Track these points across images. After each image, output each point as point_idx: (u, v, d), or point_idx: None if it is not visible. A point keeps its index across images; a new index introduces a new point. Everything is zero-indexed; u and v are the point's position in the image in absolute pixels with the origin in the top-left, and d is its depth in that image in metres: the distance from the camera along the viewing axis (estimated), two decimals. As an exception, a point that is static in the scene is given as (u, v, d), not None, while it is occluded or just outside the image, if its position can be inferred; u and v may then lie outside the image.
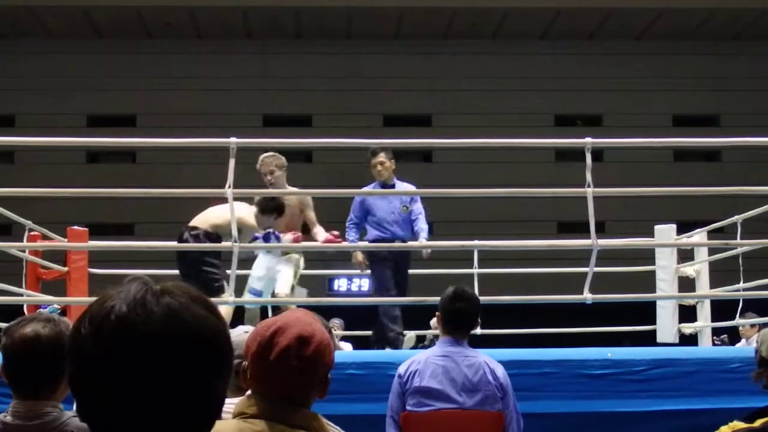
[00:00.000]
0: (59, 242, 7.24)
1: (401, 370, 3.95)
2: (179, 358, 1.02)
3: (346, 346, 8.82)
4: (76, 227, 7.38)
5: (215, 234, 6.28)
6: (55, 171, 17.60)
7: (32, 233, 7.09)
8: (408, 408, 3.86)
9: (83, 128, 18.43)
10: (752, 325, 8.65)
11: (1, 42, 19.40)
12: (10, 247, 7.03)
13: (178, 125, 17.14)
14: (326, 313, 6.57)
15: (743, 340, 8.93)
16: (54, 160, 18.05)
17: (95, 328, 1.04)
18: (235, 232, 5.47)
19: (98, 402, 1.03)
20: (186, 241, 6.35)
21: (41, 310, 5.16)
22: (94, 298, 1.09)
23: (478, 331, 4.49)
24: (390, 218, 6.88)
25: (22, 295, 6.67)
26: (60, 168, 17.93)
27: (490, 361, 3.94)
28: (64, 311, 6.43)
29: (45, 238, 7.22)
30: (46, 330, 2.27)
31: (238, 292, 6.21)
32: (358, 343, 8.89)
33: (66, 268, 7.17)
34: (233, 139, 5.44)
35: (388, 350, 6.66)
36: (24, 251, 6.98)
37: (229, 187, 5.34)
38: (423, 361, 3.92)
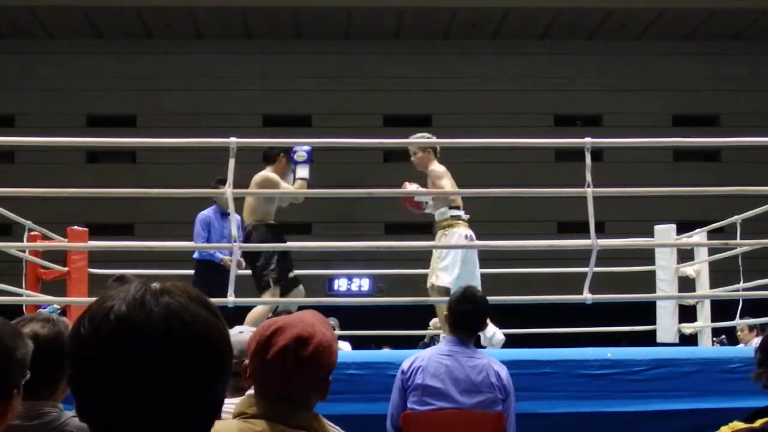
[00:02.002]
0: (59, 242, 7.24)
1: (404, 366, 3.96)
2: (178, 357, 1.02)
3: (345, 346, 8.82)
4: (76, 227, 7.38)
5: (259, 224, 6.27)
6: (55, 171, 17.60)
7: (32, 233, 7.08)
8: (409, 405, 3.87)
9: (83, 128, 18.43)
10: (750, 329, 8.63)
11: (1, 42, 19.40)
12: (10, 247, 7.03)
13: (178, 125, 17.14)
14: (325, 313, 6.57)
15: (740, 345, 8.90)
16: (54, 160, 18.05)
17: (94, 327, 1.04)
18: (234, 232, 5.47)
19: (98, 402, 1.03)
20: (249, 237, 6.32)
21: (41, 310, 5.16)
22: (94, 299, 1.09)
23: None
24: (222, 241, 7.18)
25: (21, 295, 6.66)
26: (60, 168, 17.93)
27: (495, 362, 3.94)
28: (64, 311, 6.42)
29: (45, 238, 7.21)
30: (45, 330, 2.27)
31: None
32: (357, 343, 8.89)
33: (66, 268, 7.17)
34: (233, 139, 5.44)
35: (387, 350, 6.67)
36: (24, 251, 6.98)
37: (229, 187, 5.34)
38: (427, 358, 3.92)
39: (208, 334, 1.05)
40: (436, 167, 6.50)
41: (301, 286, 6.53)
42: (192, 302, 1.06)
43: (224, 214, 7.28)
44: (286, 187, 6.33)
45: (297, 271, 9.63)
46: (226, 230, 7.19)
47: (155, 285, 1.07)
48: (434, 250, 6.52)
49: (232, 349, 1.10)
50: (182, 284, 1.10)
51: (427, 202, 6.54)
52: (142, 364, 1.01)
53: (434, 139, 6.65)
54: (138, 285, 1.07)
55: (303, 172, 6.23)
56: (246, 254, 6.36)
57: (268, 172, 6.35)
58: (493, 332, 6.41)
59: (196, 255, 7.50)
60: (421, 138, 6.62)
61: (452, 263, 6.36)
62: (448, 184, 6.47)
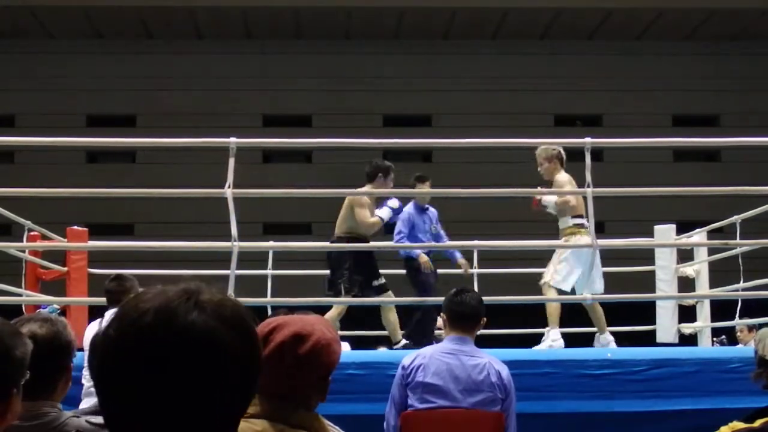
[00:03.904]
0: (59, 242, 7.24)
1: (405, 362, 3.97)
2: (192, 376, 1.03)
3: (344, 346, 8.81)
4: (75, 227, 7.37)
5: (346, 237, 6.70)
6: (55, 171, 17.60)
7: (32, 233, 7.09)
8: (410, 402, 3.87)
9: (83, 128, 18.43)
10: (749, 330, 8.62)
11: (1, 42, 19.40)
12: (9, 247, 7.03)
13: (178, 125, 17.14)
14: (325, 313, 6.58)
15: (740, 345, 8.90)
16: (54, 160, 18.06)
17: (121, 332, 1.06)
18: (234, 232, 5.46)
19: (117, 403, 1.05)
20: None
21: (40, 310, 5.16)
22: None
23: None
24: (425, 237, 7.18)
25: (21, 295, 6.66)
26: (60, 168, 17.94)
27: (496, 362, 3.94)
28: (63, 311, 6.42)
29: (45, 238, 7.22)
30: (43, 330, 2.26)
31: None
32: (357, 343, 8.88)
33: (65, 268, 7.16)
34: (233, 139, 5.44)
35: (386, 350, 6.68)
36: (24, 251, 6.98)
37: (229, 187, 5.33)
38: (428, 356, 3.93)
39: (228, 360, 1.06)
40: (561, 177, 6.59)
41: (386, 294, 6.74)
42: (222, 324, 1.06)
43: (422, 210, 7.29)
44: (365, 214, 6.66)
45: (297, 272, 9.64)
46: (426, 225, 7.24)
47: (194, 295, 1.07)
48: (556, 252, 6.60)
49: (255, 374, 1.10)
50: (220, 298, 1.09)
51: (546, 206, 6.71)
52: (157, 375, 1.03)
53: (560, 149, 6.68)
54: (178, 292, 1.07)
55: (383, 212, 6.70)
56: (328, 262, 6.90)
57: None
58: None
59: (402, 253, 7.50)
60: (542, 150, 6.69)
61: (569, 269, 6.42)
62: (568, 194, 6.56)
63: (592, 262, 6.24)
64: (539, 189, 6.77)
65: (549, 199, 6.68)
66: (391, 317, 6.80)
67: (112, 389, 1.05)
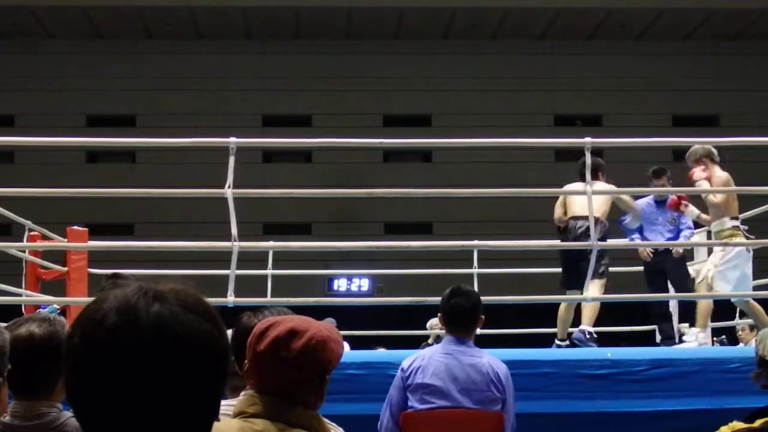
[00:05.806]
0: (59, 242, 7.23)
1: (405, 364, 3.97)
2: (167, 369, 1.02)
3: (345, 346, 8.80)
4: (75, 227, 7.37)
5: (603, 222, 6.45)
6: (55, 171, 17.61)
7: (32, 233, 7.09)
8: (410, 403, 3.87)
9: (83, 128, 18.44)
10: (750, 329, 8.62)
11: (1, 42, 19.40)
12: (9, 247, 7.03)
13: (178, 125, 17.14)
14: (324, 312, 6.58)
15: (741, 344, 8.90)
16: (54, 160, 18.06)
17: (86, 337, 1.04)
18: (234, 232, 5.45)
19: (90, 406, 1.04)
20: (579, 229, 6.47)
21: (40, 310, 5.16)
22: (93, 299, 1.09)
23: (478, 330, 4.49)
24: (657, 230, 7.10)
25: (21, 295, 6.66)
26: (60, 168, 17.94)
27: (495, 362, 3.93)
28: (63, 311, 6.42)
29: (45, 238, 7.21)
30: (41, 330, 2.26)
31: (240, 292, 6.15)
32: (357, 343, 8.89)
33: (65, 268, 7.16)
34: (233, 139, 5.44)
35: (384, 350, 6.67)
36: (24, 251, 6.98)
37: (229, 187, 5.33)
38: (427, 357, 3.93)
39: (199, 344, 1.05)
40: (720, 174, 6.37)
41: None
42: (186, 311, 1.05)
43: (660, 203, 7.17)
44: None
45: (297, 271, 9.64)
46: (660, 218, 7.11)
47: (152, 289, 1.06)
48: (714, 253, 6.42)
49: (227, 358, 1.09)
50: (182, 288, 1.09)
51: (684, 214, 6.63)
52: (131, 374, 1.01)
53: (708, 147, 6.50)
54: (134, 289, 1.06)
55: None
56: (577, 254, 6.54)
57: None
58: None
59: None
60: (690, 153, 6.50)
61: (733, 269, 6.28)
62: (723, 194, 6.34)
63: (748, 263, 6.16)
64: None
65: (693, 210, 6.53)
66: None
67: (85, 395, 1.04)
